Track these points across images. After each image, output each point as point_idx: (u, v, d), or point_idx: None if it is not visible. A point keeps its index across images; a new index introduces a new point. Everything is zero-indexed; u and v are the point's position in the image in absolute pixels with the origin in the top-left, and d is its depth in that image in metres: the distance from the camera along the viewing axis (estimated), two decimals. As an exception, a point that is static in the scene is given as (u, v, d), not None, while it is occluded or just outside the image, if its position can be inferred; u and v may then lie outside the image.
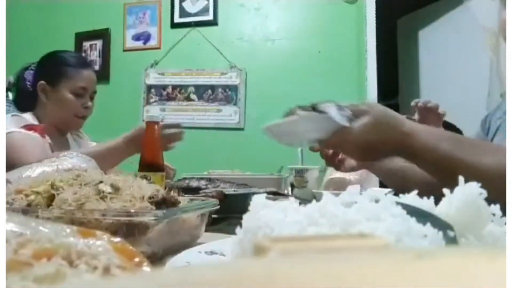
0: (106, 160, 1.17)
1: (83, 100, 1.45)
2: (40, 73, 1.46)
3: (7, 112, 1.42)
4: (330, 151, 0.92)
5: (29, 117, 1.42)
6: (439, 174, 0.69)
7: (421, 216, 0.33)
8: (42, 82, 1.43)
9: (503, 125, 0.99)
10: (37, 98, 1.44)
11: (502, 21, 0.83)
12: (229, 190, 1.05)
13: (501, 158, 0.63)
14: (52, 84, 1.43)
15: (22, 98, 1.50)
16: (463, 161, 0.64)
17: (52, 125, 1.45)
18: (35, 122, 1.41)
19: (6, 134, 1.24)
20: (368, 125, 0.66)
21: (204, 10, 2.91)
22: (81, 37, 3.08)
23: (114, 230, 0.50)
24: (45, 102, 1.43)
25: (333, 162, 0.95)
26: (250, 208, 0.37)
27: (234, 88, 2.84)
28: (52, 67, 1.46)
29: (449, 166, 0.65)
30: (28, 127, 1.33)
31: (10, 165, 0.89)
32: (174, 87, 2.93)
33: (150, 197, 0.56)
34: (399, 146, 0.67)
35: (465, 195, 0.35)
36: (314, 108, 0.67)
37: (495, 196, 0.61)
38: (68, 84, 1.42)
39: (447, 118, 1.29)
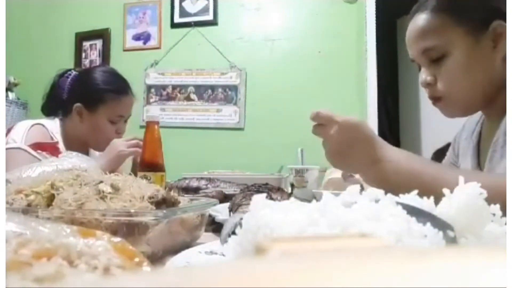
0: None
1: (118, 126, 1.40)
2: (77, 93, 1.39)
3: (7, 112, 1.40)
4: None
5: (53, 126, 1.37)
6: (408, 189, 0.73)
7: (421, 216, 0.33)
8: (79, 104, 1.36)
9: (468, 147, 0.96)
10: (70, 109, 1.38)
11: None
12: (229, 190, 1.05)
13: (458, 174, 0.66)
14: (89, 109, 1.36)
15: (54, 105, 1.43)
16: (431, 176, 0.67)
17: (79, 140, 1.40)
18: (57, 132, 1.37)
19: (12, 148, 1.21)
20: (336, 132, 0.71)
21: (204, 10, 2.91)
22: (81, 37, 3.08)
23: (114, 230, 0.50)
24: (80, 124, 1.37)
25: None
26: (250, 208, 0.37)
27: (234, 88, 2.84)
28: (91, 91, 1.37)
29: (421, 182, 0.68)
30: (39, 145, 1.27)
31: None
32: (174, 87, 2.93)
33: (150, 197, 0.56)
34: (369, 170, 0.72)
35: (465, 195, 0.35)
36: None
37: None
38: (107, 112, 1.36)
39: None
